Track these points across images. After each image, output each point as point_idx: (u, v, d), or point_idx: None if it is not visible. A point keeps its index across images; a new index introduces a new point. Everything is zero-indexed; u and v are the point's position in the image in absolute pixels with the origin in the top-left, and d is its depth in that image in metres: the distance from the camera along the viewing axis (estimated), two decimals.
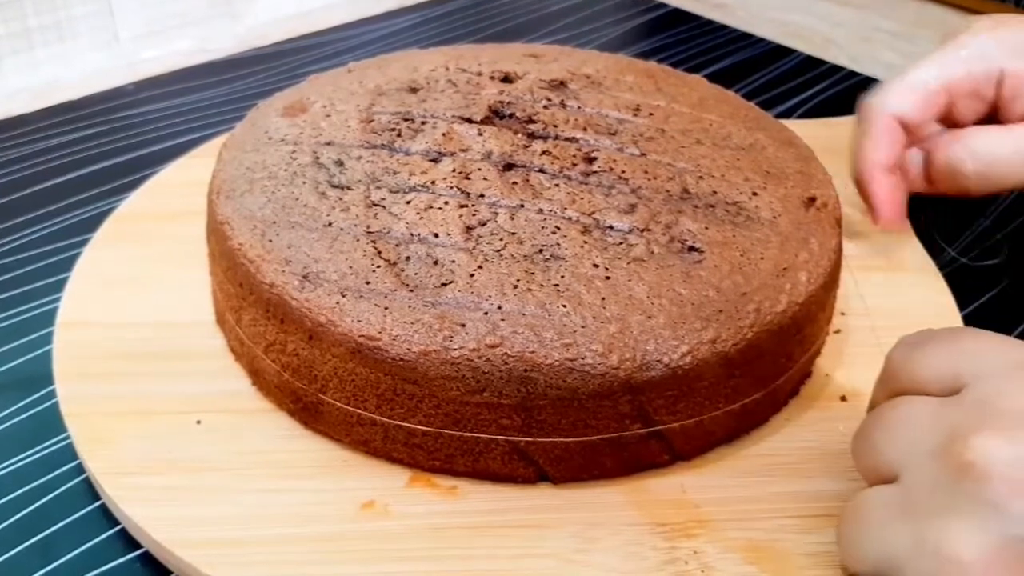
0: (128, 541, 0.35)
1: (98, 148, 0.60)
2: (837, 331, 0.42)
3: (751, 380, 0.36)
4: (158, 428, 0.37)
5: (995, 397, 0.27)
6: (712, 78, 0.50)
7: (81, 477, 0.38)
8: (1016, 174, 0.43)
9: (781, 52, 0.72)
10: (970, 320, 0.43)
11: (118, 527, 0.36)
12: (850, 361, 0.41)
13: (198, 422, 0.38)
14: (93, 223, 0.49)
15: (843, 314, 0.43)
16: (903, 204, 0.45)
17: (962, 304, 0.44)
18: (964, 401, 0.28)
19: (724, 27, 0.76)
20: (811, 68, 0.70)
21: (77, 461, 0.38)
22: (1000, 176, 0.43)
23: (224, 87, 0.67)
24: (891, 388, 0.31)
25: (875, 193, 0.45)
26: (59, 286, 0.45)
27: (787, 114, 0.63)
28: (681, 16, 0.78)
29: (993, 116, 0.45)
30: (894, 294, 0.45)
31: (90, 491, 0.37)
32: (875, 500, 0.29)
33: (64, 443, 0.39)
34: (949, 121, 0.46)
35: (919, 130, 0.45)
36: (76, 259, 0.46)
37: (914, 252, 0.47)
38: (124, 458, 0.36)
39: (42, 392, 0.42)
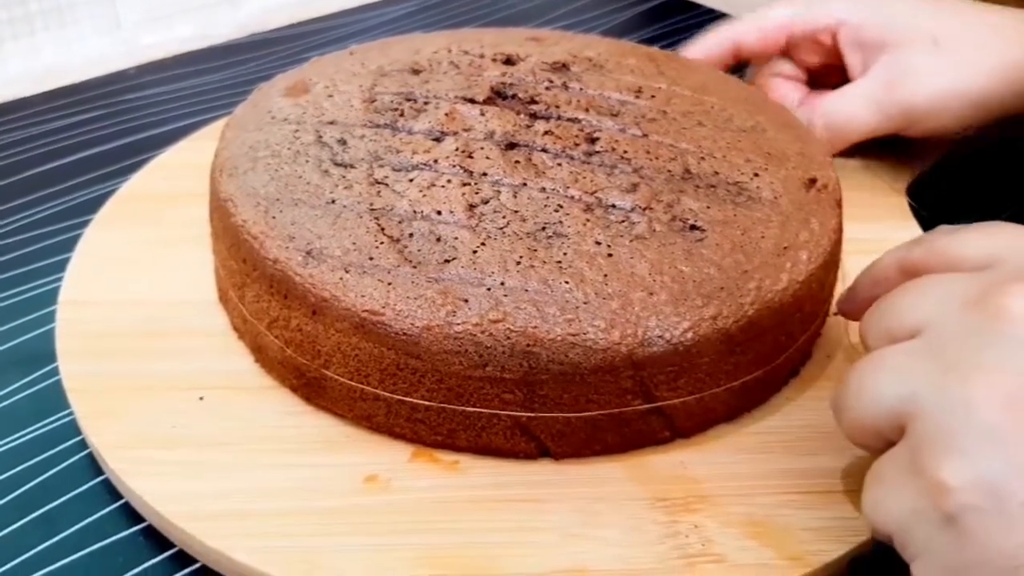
0: (130, 515, 0.36)
1: (100, 131, 0.60)
2: (836, 313, 0.42)
3: (752, 357, 0.36)
4: (161, 404, 0.37)
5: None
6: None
7: (83, 453, 0.38)
8: (857, 129, 0.48)
9: None
10: None
11: (120, 501, 0.36)
12: (850, 343, 0.41)
13: (201, 399, 0.38)
14: (95, 204, 0.49)
15: None
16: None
17: None
18: (1000, 269, 0.28)
19: (725, 16, 0.76)
20: None
21: (79, 437, 0.38)
22: (845, 132, 0.48)
23: (225, 71, 0.67)
24: (915, 266, 0.31)
25: (707, 38, 0.53)
26: (61, 266, 0.45)
27: None
28: (683, 4, 0.78)
29: (841, 67, 0.51)
30: None
31: (92, 467, 0.37)
32: (895, 349, 0.28)
33: (66, 420, 0.39)
34: (800, 64, 0.53)
35: (759, 60, 0.53)
36: (78, 239, 0.46)
37: (914, 235, 0.47)
38: (128, 433, 0.36)
39: (44, 370, 0.42)
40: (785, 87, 0.52)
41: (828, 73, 0.52)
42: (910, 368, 0.27)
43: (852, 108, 0.48)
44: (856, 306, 0.33)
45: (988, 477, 0.25)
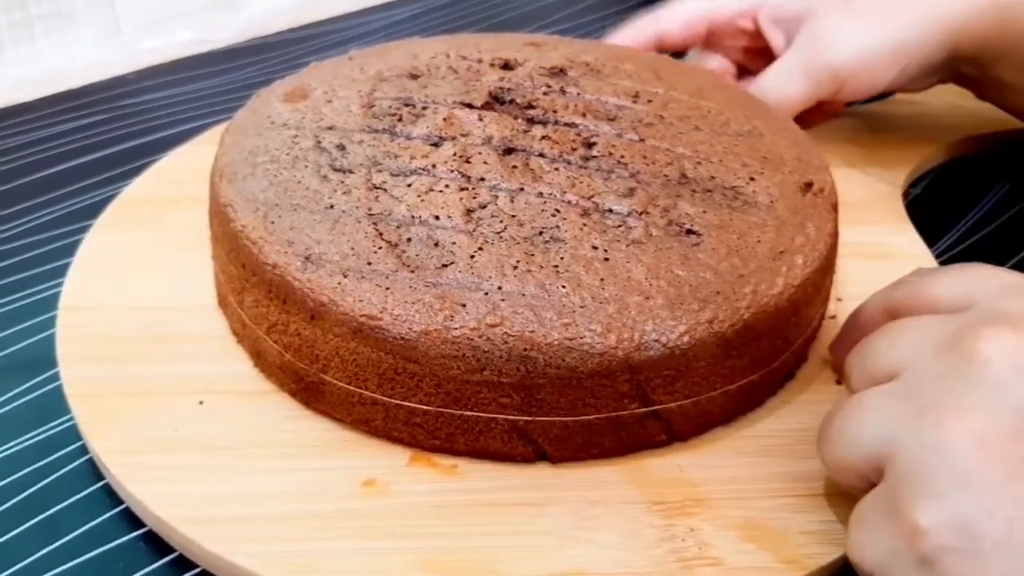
0: (131, 520, 0.36)
1: (100, 136, 0.60)
2: (833, 316, 0.43)
3: (748, 361, 0.36)
4: (161, 409, 0.38)
5: (1003, 307, 0.28)
6: None
7: (84, 458, 0.38)
8: (793, 100, 0.49)
9: None
10: None
11: (121, 506, 0.36)
12: None
13: (201, 403, 0.38)
14: (95, 209, 0.49)
15: (839, 300, 0.44)
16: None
17: None
18: (973, 311, 0.28)
19: None
20: None
21: (80, 443, 0.38)
22: (783, 106, 0.49)
23: (225, 76, 0.67)
24: (896, 309, 0.31)
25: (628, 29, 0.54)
26: (62, 271, 0.45)
27: None
28: None
29: (765, 49, 0.53)
30: (890, 281, 0.45)
31: (92, 472, 0.38)
32: (872, 396, 0.29)
33: (67, 425, 0.40)
34: (727, 54, 0.55)
35: (681, 49, 0.54)
36: (78, 244, 0.46)
37: (910, 240, 0.48)
38: (128, 438, 0.36)
39: (45, 375, 0.42)
40: None
41: (753, 59, 0.54)
42: (887, 411, 0.28)
43: (784, 81, 0.49)
44: (845, 349, 0.34)
45: (961, 518, 0.25)
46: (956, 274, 0.31)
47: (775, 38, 0.52)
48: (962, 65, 0.49)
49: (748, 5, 0.53)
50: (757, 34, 0.53)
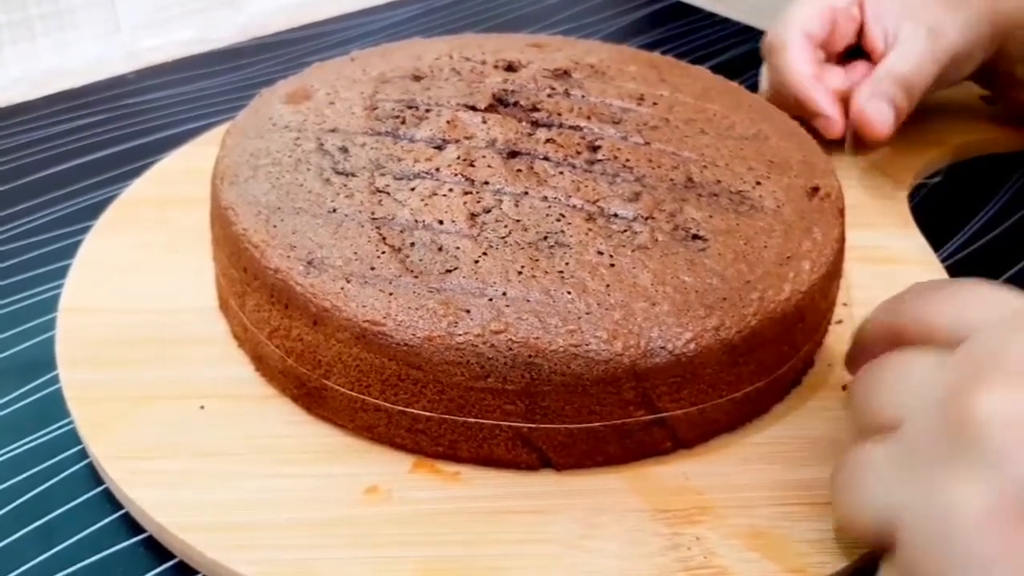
0: (131, 526, 0.35)
1: (100, 136, 0.60)
2: (839, 321, 0.42)
3: (754, 368, 0.36)
4: (161, 414, 0.37)
5: (999, 348, 0.27)
6: (715, 71, 0.50)
7: (83, 463, 0.38)
8: (924, 81, 0.49)
9: None
10: None
11: (121, 512, 0.36)
12: None
13: (202, 408, 0.38)
14: (96, 210, 0.49)
15: (845, 305, 0.43)
16: (842, 110, 0.50)
17: None
18: (969, 352, 0.27)
19: (727, 20, 0.76)
20: None
21: (79, 447, 0.38)
22: (915, 87, 0.49)
23: (226, 76, 0.67)
24: (897, 333, 0.31)
25: (820, 100, 0.49)
26: (62, 272, 0.45)
27: None
28: (684, 9, 0.78)
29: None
30: (896, 286, 0.44)
31: (92, 476, 0.37)
32: (875, 453, 0.29)
33: (66, 429, 0.39)
34: (831, 53, 0.52)
35: (824, 50, 0.51)
36: (79, 246, 0.46)
37: (916, 244, 0.47)
38: (128, 443, 0.36)
39: (44, 378, 0.42)
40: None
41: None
42: (892, 477, 0.28)
43: (909, 60, 0.49)
44: (856, 367, 0.34)
45: None
46: (956, 298, 0.30)
47: (874, 31, 0.51)
48: (1000, 61, 0.51)
49: None
50: (860, 22, 0.52)
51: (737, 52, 0.71)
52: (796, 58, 0.49)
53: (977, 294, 0.30)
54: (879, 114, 0.48)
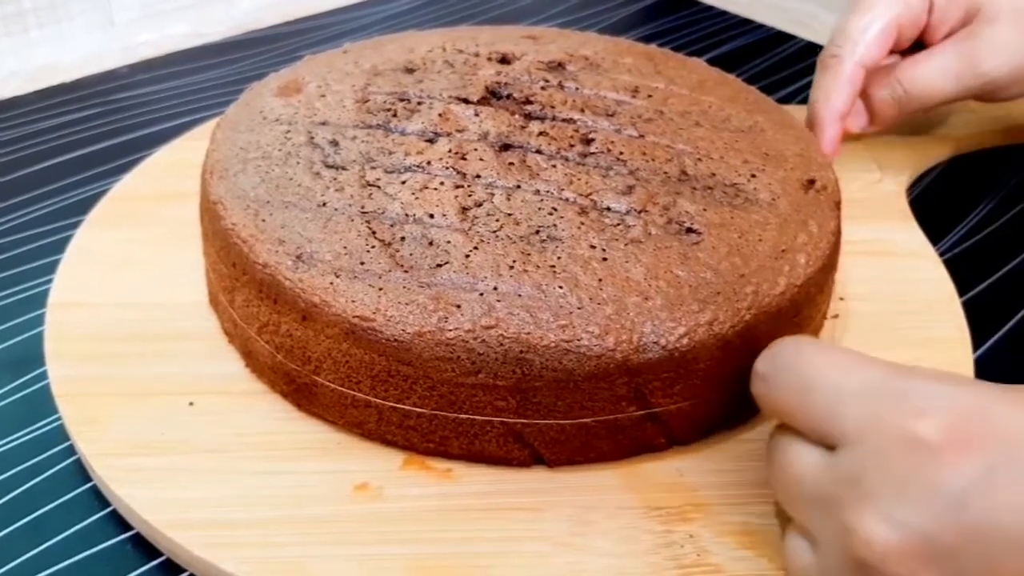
0: (119, 523, 0.35)
1: (92, 130, 0.59)
2: (835, 316, 0.42)
3: (749, 363, 0.35)
4: (150, 410, 0.37)
5: (864, 472, 0.27)
6: (712, 64, 0.49)
7: (72, 459, 0.38)
8: (935, 98, 0.49)
9: (781, 38, 0.71)
10: (970, 306, 0.43)
11: (108, 508, 0.36)
12: (848, 347, 0.40)
13: (191, 404, 0.37)
14: (86, 204, 0.49)
15: (842, 299, 0.43)
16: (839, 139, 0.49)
17: (962, 290, 0.44)
18: (840, 470, 0.28)
19: (724, 13, 0.75)
20: (811, 55, 0.69)
21: (68, 442, 0.38)
22: (924, 99, 0.49)
23: (219, 70, 0.67)
24: (790, 421, 0.31)
25: (830, 137, 0.48)
26: (52, 267, 0.45)
27: (787, 100, 0.62)
28: (681, 1, 0.77)
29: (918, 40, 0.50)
30: (894, 280, 0.44)
31: (80, 472, 0.37)
32: (794, 538, 0.30)
33: (54, 424, 0.39)
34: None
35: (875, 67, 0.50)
36: (69, 240, 0.46)
37: (914, 238, 0.47)
38: (115, 439, 0.36)
39: (33, 373, 0.41)
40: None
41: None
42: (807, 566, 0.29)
43: (933, 77, 0.48)
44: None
45: None
46: (822, 396, 0.29)
47: (938, 33, 0.50)
48: None
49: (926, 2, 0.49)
50: (924, 27, 0.50)
51: (735, 45, 0.71)
52: (838, 95, 0.48)
53: (838, 395, 0.29)
54: (857, 117, 0.50)
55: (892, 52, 0.50)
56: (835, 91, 0.48)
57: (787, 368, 0.30)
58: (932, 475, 0.26)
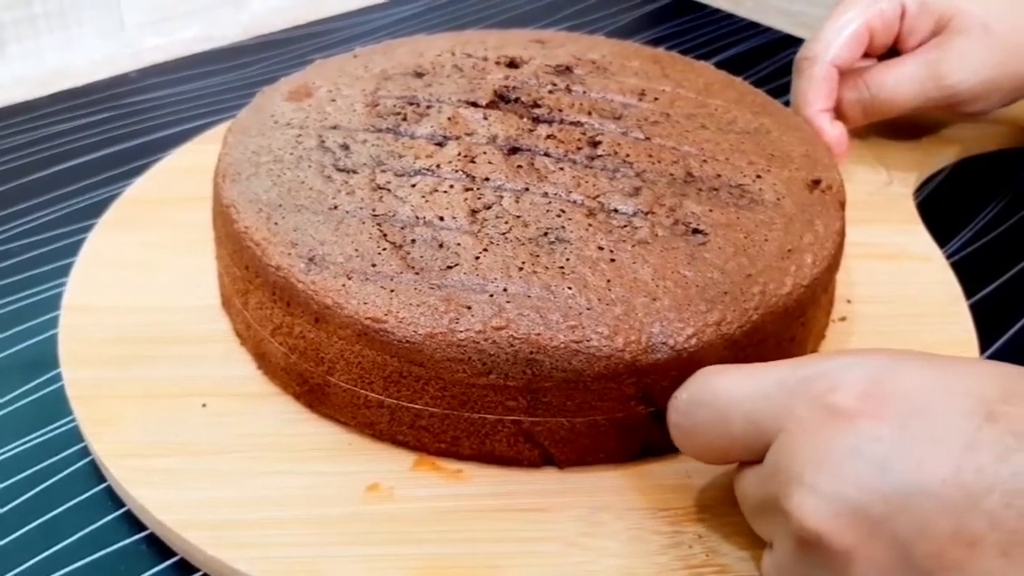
0: (133, 523, 0.35)
1: (103, 134, 0.60)
2: (843, 318, 0.42)
3: (756, 362, 0.36)
4: (164, 411, 0.37)
5: (790, 458, 0.28)
6: (720, 67, 0.50)
7: (86, 460, 0.38)
8: (899, 106, 0.49)
9: (788, 41, 0.72)
10: (977, 309, 0.43)
11: (123, 509, 0.36)
12: (855, 348, 0.41)
13: (204, 405, 0.38)
14: (98, 208, 0.49)
15: (849, 302, 0.43)
16: (846, 136, 0.49)
17: (969, 292, 0.44)
18: (769, 467, 0.29)
19: (731, 16, 0.76)
20: None
21: (82, 444, 0.38)
22: (888, 107, 0.49)
23: (229, 74, 0.67)
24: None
25: (827, 135, 0.48)
26: (65, 271, 0.45)
27: None
28: (689, 5, 0.78)
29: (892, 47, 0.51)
30: (900, 282, 0.44)
31: (95, 474, 0.37)
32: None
33: (69, 426, 0.39)
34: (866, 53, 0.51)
35: (849, 68, 0.50)
36: (81, 244, 0.46)
37: (921, 240, 0.47)
38: (130, 440, 0.36)
39: (47, 376, 0.42)
40: None
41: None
42: None
43: (899, 83, 0.49)
44: None
45: None
46: (708, 427, 0.31)
47: (910, 41, 0.50)
48: None
49: (895, 3, 0.50)
50: (896, 34, 0.51)
51: (742, 48, 0.71)
52: (815, 94, 0.49)
53: (752, 405, 0.30)
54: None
55: (867, 57, 0.51)
56: (811, 90, 0.48)
57: (697, 405, 0.31)
58: (851, 442, 0.26)
